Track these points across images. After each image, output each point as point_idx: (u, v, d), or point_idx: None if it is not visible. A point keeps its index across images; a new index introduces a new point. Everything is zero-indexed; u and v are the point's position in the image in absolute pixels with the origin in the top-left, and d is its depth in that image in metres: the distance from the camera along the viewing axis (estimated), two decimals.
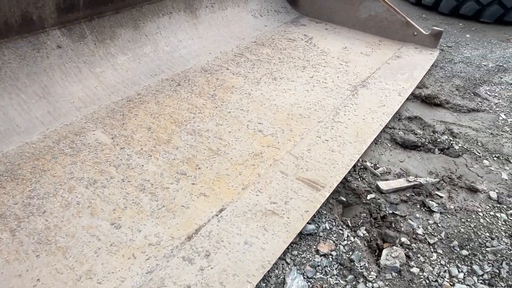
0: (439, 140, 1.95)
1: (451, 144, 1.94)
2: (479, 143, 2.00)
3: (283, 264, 1.32)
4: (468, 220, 1.54)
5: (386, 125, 2.04)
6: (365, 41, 3.08)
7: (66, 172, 1.60)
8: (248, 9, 3.24)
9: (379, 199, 1.60)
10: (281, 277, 1.28)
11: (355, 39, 3.10)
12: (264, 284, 1.25)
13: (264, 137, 1.89)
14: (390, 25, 3.06)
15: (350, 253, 1.37)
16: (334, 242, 1.41)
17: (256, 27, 3.18)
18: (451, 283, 1.29)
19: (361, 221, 1.51)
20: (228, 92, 2.26)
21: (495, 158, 1.90)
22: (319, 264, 1.32)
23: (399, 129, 2.07)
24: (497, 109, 2.32)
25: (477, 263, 1.36)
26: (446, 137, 1.98)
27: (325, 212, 1.54)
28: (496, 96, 2.47)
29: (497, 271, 1.33)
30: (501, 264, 1.36)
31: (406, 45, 3.00)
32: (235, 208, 1.46)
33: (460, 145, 1.94)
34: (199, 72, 2.47)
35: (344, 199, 1.63)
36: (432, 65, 2.78)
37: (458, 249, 1.41)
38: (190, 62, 2.57)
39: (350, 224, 1.50)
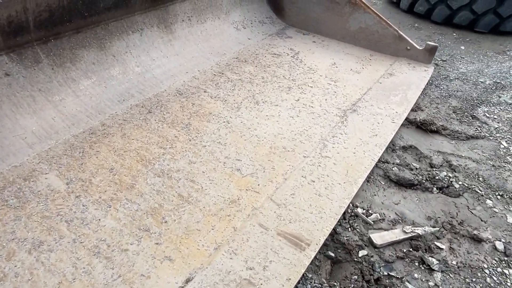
0: (437, 177, 1.76)
1: (451, 182, 1.75)
2: (480, 178, 1.82)
3: None
4: (473, 280, 1.34)
5: (379, 159, 1.84)
6: (355, 55, 2.88)
7: (6, 232, 1.36)
8: (229, 21, 3.01)
9: (372, 256, 1.40)
10: None
11: (345, 54, 2.90)
12: None
13: (243, 177, 1.67)
14: (381, 39, 2.86)
15: None
16: None
17: (238, 40, 2.96)
18: None
19: (352, 285, 1.31)
20: (204, 120, 2.04)
21: (498, 197, 1.72)
22: None
23: (393, 163, 1.87)
24: (498, 135, 2.14)
25: None
26: (445, 173, 1.79)
27: (310, 275, 1.33)
28: (495, 119, 2.30)
29: None
30: None
31: (398, 61, 2.81)
32: (204, 278, 1.24)
33: (460, 183, 1.76)
34: (174, 95, 2.24)
35: (333, 255, 1.42)
36: (427, 83, 2.60)
37: None
38: (164, 83, 2.33)
39: None
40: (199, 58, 2.63)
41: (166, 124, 1.98)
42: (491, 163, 1.92)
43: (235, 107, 2.17)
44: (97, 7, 2.00)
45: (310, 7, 3.10)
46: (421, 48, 2.73)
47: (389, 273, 1.34)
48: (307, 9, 3.14)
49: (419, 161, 1.94)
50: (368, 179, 1.78)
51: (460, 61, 3.05)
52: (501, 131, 2.18)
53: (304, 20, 3.23)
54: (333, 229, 1.47)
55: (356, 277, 1.33)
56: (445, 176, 1.77)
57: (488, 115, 2.33)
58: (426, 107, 2.39)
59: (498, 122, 2.27)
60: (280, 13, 3.35)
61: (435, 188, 1.72)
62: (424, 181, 1.75)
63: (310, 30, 3.25)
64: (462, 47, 3.31)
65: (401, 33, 2.75)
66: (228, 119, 2.05)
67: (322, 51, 2.93)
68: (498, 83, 2.72)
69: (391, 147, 2.01)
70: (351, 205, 1.62)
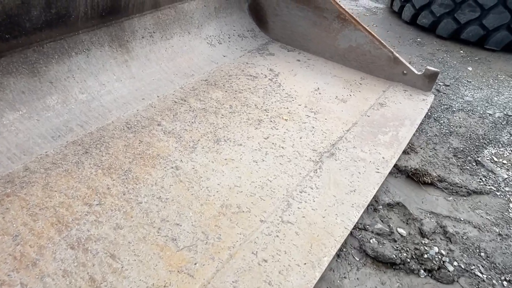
0: (426, 255, 1.39)
1: (443, 262, 1.38)
2: (482, 253, 1.45)
3: None
4: None
5: (355, 224, 1.48)
6: (343, 78, 2.51)
7: None
8: (202, 35, 2.65)
9: None
10: None
11: (332, 76, 2.53)
12: None
13: (177, 252, 1.33)
14: (374, 60, 2.49)
15: None
16: None
17: (211, 58, 2.60)
18: None
19: None
20: (149, 165, 1.70)
21: (504, 283, 1.35)
22: None
23: (372, 231, 1.51)
24: (507, 189, 1.77)
25: None
26: (437, 250, 1.43)
27: None
28: (504, 165, 1.92)
29: None
30: None
31: (393, 86, 2.43)
32: None
33: (455, 263, 1.39)
34: (120, 130, 1.90)
35: None
36: (425, 116, 2.22)
37: None
38: (112, 114, 1.99)
39: None
40: (161, 81, 2.29)
41: (101, 170, 1.65)
42: (497, 230, 1.55)
43: (190, 146, 1.82)
44: (21, 27, 1.67)
45: (296, 21, 2.74)
46: (419, 74, 2.35)
47: None
48: (293, 23, 2.77)
49: (406, 224, 1.57)
50: (338, 254, 1.42)
51: (466, 86, 2.65)
52: (510, 184, 1.80)
53: (290, 35, 2.86)
54: None
55: None
56: (436, 253, 1.41)
57: (495, 160, 1.95)
58: (421, 148, 2.01)
59: (508, 170, 1.88)
60: (263, 26, 2.99)
61: (422, 271, 1.36)
62: (409, 260, 1.38)
63: (296, 46, 2.88)
64: (470, 68, 2.91)
65: (397, 55, 2.37)
66: (178, 164, 1.71)
67: (306, 72, 2.56)
68: (510, 116, 2.33)
69: (373, 205, 1.64)
70: None
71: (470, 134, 2.14)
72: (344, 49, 2.61)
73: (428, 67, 2.28)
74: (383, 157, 1.81)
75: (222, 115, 2.07)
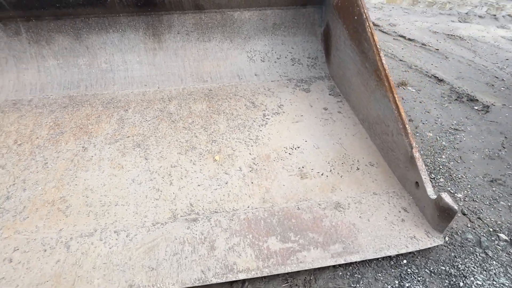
0: None
1: None
2: None
3: None
4: None
5: None
6: (343, 153, 1.84)
7: None
8: (246, 48, 2.52)
9: None
10: None
11: (335, 143, 1.90)
12: None
13: None
14: (393, 147, 1.68)
15: None
16: None
17: (239, 72, 2.47)
18: None
19: None
20: (63, 142, 1.89)
21: None
22: None
23: None
24: None
25: None
26: None
27: None
28: None
29: None
30: None
31: (392, 199, 1.59)
32: None
33: None
34: (102, 101, 2.21)
35: None
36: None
37: None
38: (113, 87, 2.33)
39: None
40: (173, 76, 2.42)
41: (62, 118, 2.02)
42: None
43: (112, 139, 1.92)
44: (65, 2, 2.17)
45: (347, 61, 2.15)
46: (433, 197, 1.41)
47: None
48: (345, 63, 2.19)
49: None
50: None
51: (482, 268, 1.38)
52: None
53: (341, 77, 2.29)
54: None
55: None
56: None
57: None
58: None
59: None
60: (328, 57, 2.51)
61: None
62: None
63: (342, 91, 2.29)
64: None
65: (416, 153, 1.50)
66: (87, 147, 1.85)
67: (311, 125, 2.03)
68: None
69: None
70: None
71: None
72: (373, 117, 1.87)
73: (442, 195, 1.33)
74: None
75: (173, 127, 2.01)
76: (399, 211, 1.52)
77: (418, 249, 1.38)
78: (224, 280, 1.27)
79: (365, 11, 1.89)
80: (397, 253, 1.36)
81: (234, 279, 1.27)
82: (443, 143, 1.95)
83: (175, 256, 1.34)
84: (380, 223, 1.46)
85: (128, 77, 2.39)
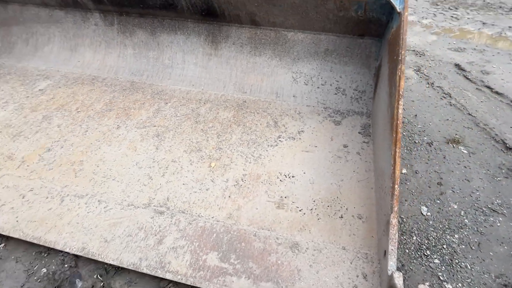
0: None
1: None
2: None
3: None
4: None
5: None
6: (331, 197, 1.72)
7: None
8: (293, 68, 2.54)
9: None
10: None
11: (333, 183, 1.78)
12: None
13: None
14: (382, 206, 1.50)
15: None
16: None
17: (279, 90, 2.51)
18: None
19: None
20: (106, 117, 2.27)
21: None
22: None
23: None
24: None
25: None
26: None
27: None
28: None
29: None
30: None
31: (360, 262, 1.42)
32: None
33: None
34: (152, 92, 2.54)
35: None
36: None
37: None
38: (167, 81, 2.65)
39: None
40: (218, 81, 2.61)
41: (111, 97, 2.43)
42: None
43: (143, 122, 2.20)
44: (147, 4, 2.56)
45: (381, 102, 1.98)
46: (389, 273, 1.22)
47: None
48: (380, 103, 2.02)
49: None
50: None
51: None
52: None
53: (375, 116, 2.12)
54: None
55: None
56: None
57: None
58: None
59: None
60: (375, 94, 2.33)
61: None
62: None
63: (373, 132, 2.11)
64: None
65: (394, 220, 1.32)
66: (120, 126, 2.18)
67: (321, 158, 1.95)
68: None
69: None
70: None
71: None
72: (379, 168, 1.69)
73: (396, 274, 1.15)
74: None
75: (193, 127, 2.19)
76: (357, 276, 1.36)
77: None
78: (152, 273, 1.37)
79: (403, 52, 1.71)
80: None
81: (161, 276, 1.36)
82: (466, 221, 1.62)
83: (128, 237, 1.50)
84: (328, 280, 1.34)
85: (182, 75, 2.68)
